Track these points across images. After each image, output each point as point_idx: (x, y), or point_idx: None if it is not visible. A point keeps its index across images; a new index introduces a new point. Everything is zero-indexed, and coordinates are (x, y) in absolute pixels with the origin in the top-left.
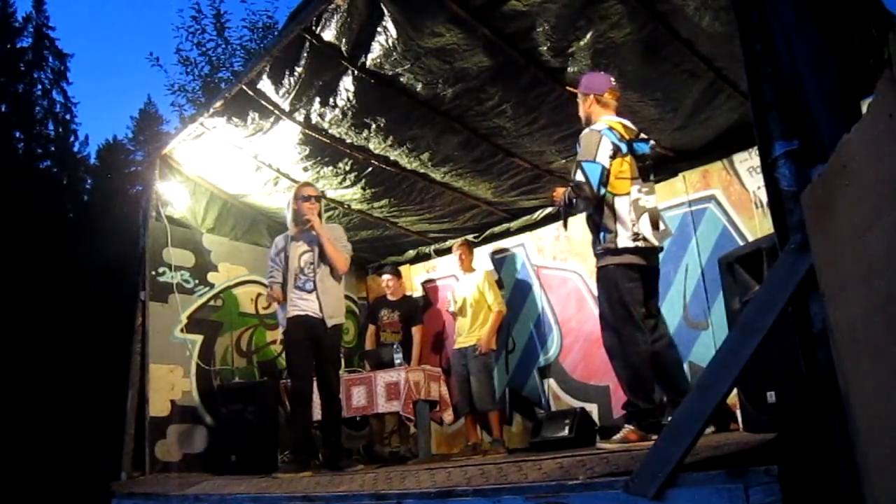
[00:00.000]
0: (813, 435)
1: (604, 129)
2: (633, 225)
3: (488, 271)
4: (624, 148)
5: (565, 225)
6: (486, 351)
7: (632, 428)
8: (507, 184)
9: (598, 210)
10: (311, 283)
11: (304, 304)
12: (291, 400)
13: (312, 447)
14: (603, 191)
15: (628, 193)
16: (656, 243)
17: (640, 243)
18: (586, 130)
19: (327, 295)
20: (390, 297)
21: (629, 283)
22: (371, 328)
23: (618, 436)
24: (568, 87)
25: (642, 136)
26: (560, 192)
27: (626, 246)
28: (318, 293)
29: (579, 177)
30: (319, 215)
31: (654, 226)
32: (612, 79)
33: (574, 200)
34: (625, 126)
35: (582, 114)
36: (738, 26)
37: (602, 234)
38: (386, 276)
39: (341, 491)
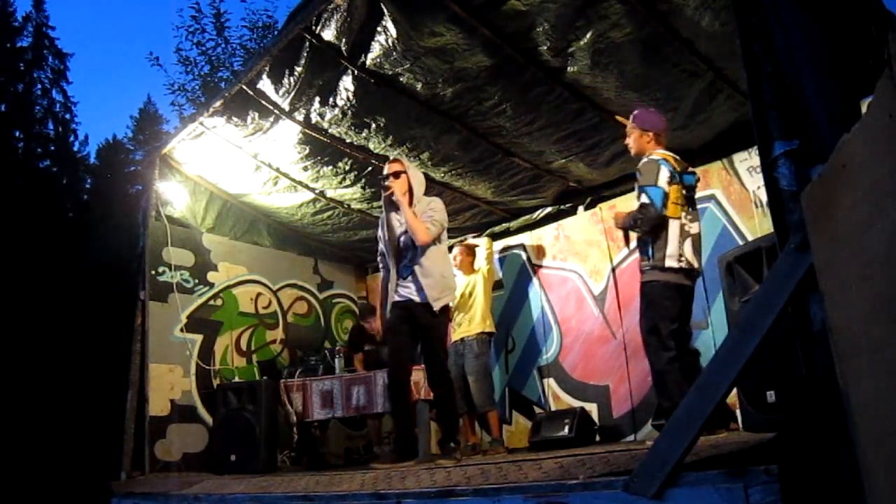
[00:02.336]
0: (813, 435)
1: (660, 160)
2: (679, 247)
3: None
4: (677, 177)
5: (627, 243)
6: (476, 338)
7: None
8: (506, 183)
9: (654, 230)
10: (407, 269)
11: (403, 291)
12: (389, 390)
13: (413, 436)
14: (665, 212)
15: (679, 218)
16: (697, 266)
17: (683, 264)
18: (645, 159)
19: (428, 277)
20: (371, 334)
21: (666, 300)
22: (359, 355)
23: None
24: (618, 118)
25: (690, 168)
26: (621, 215)
27: (671, 266)
28: (416, 276)
29: (644, 199)
30: (411, 192)
31: (696, 251)
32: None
33: (639, 221)
34: (675, 159)
35: (634, 146)
36: (738, 26)
37: (651, 253)
38: (369, 322)
39: (341, 490)
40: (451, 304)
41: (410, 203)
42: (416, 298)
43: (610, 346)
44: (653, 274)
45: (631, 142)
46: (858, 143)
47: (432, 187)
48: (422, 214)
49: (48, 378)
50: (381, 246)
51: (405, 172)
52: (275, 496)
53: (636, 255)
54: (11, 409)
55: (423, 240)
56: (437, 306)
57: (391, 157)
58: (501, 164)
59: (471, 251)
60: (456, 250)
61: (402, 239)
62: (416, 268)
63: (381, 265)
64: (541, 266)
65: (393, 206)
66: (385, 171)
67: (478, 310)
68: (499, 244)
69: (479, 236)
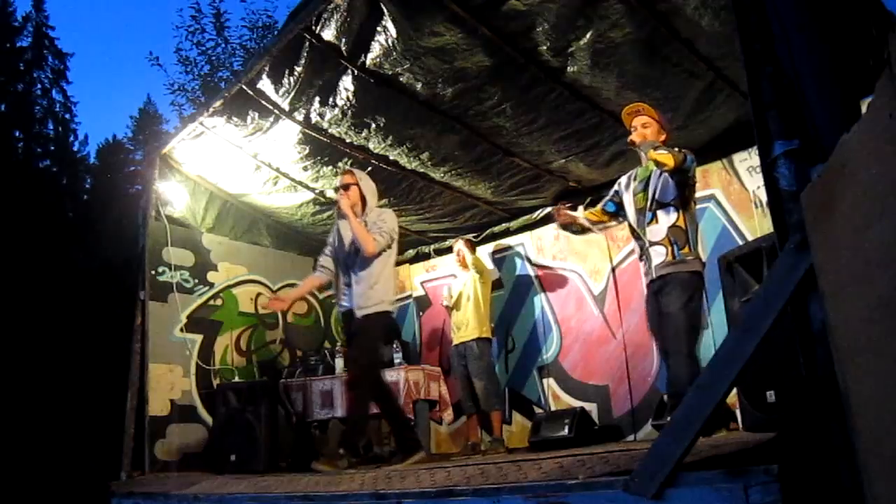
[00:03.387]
0: (813, 435)
1: None
2: None
3: (487, 269)
4: None
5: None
6: (477, 339)
7: None
8: (506, 183)
9: (692, 223)
10: (349, 277)
11: (344, 300)
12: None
13: (355, 440)
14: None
15: None
16: None
17: None
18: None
19: (359, 285)
20: None
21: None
22: None
23: None
24: (644, 107)
25: None
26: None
27: (703, 261)
28: (353, 285)
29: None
30: (364, 203)
31: None
32: None
33: (687, 159)
34: None
35: (651, 138)
36: (738, 26)
37: (693, 244)
38: None
39: (341, 490)
40: (387, 311)
41: (363, 213)
42: (348, 305)
43: (610, 346)
44: (697, 265)
45: (649, 132)
46: (858, 143)
47: (432, 187)
48: (372, 225)
49: (48, 378)
50: (326, 250)
51: (356, 185)
52: (275, 496)
53: (636, 254)
54: (11, 409)
55: (370, 251)
56: (359, 314)
57: (344, 169)
58: (501, 164)
59: (472, 247)
60: (457, 247)
61: (349, 248)
62: (353, 276)
63: (317, 266)
64: (541, 266)
65: (343, 215)
66: (337, 184)
67: (472, 315)
68: (499, 244)
69: (479, 236)
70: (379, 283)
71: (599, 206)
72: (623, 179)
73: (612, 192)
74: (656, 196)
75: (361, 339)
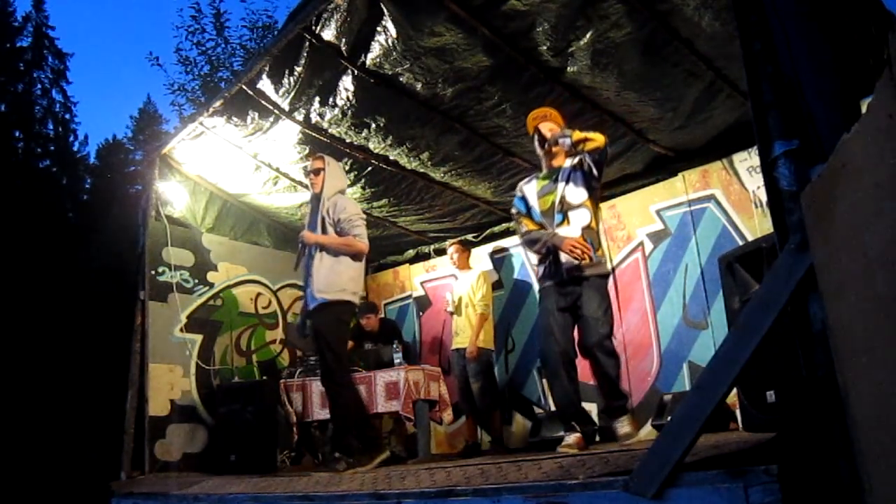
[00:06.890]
0: (813, 435)
1: None
2: None
3: (485, 272)
4: None
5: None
6: (476, 356)
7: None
8: (506, 183)
9: (599, 223)
10: (310, 265)
11: (308, 296)
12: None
13: (347, 441)
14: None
15: None
16: None
17: None
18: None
19: (319, 272)
20: (368, 331)
21: None
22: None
23: (628, 429)
24: (551, 112)
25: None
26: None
27: None
28: (313, 273)
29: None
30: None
31: None
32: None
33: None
34: None
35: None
36: (738, 26)
37: (601, 244)
38: (366, 318)
39: (341, 491)
40: (349, 301)
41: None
42: (310, 298)
43: None
44: (607, 267)
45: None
46: (858, 143)
47: (432, 187)
48: (335, 219)
49: (49, 378)
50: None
51: (323, 170)
52: (275, 496)
53: (636, 255)
54: (12, 409)
55: (363, 250)
56: (319, 297)
57: (315, 154)
58: (501, 164)
59: (466, 248)
60: (451, 249)
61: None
62: (313, 262)
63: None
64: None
65: (316, 201)
66: (308, 168)
67: (471, 323)
68: (498, 244)
69: (479, 236)
70: (338, 266)
71: (528, 218)
72: (524, 186)
73: (519, 202)
74: (566, 197)
75: (321, 334)
